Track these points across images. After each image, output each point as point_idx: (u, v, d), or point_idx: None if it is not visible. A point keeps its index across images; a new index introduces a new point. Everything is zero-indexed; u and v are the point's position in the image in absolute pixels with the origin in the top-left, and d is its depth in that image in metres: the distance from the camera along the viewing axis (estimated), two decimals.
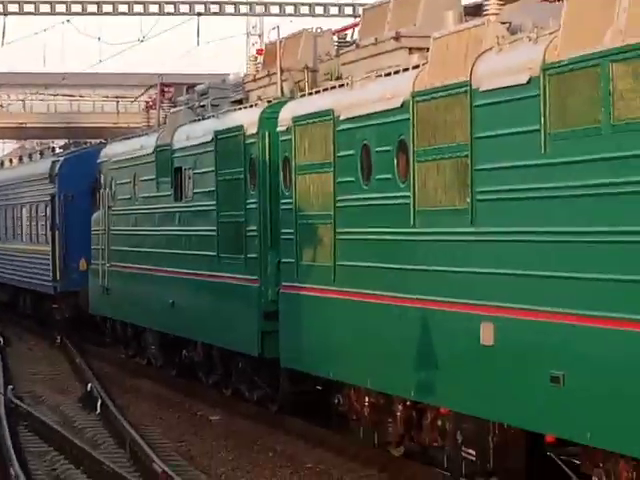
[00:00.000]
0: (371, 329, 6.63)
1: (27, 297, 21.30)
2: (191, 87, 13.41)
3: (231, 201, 9.74)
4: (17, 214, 22.26)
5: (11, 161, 30.10)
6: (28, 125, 34.53)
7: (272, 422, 9.31)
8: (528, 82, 4.32)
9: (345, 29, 10.55)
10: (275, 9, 24.72)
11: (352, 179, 7.03)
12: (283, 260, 8.42)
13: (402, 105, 5.94)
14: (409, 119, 5.84)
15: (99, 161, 15.38)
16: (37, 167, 21.72)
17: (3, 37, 22.47)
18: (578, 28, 3.93)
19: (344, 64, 8.10)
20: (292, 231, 8.07)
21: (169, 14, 23.25)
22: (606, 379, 3.62)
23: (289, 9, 23.96)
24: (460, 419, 5.46)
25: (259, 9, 26.07)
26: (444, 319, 5.47)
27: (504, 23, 5.26)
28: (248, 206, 9.21)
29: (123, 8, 22.48)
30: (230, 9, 24.25)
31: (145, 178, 12.78)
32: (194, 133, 11.03)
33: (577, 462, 4.45)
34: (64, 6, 22.17)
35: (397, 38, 6.72)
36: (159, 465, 6.48)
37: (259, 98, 9.71)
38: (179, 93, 13.87)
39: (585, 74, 3.82)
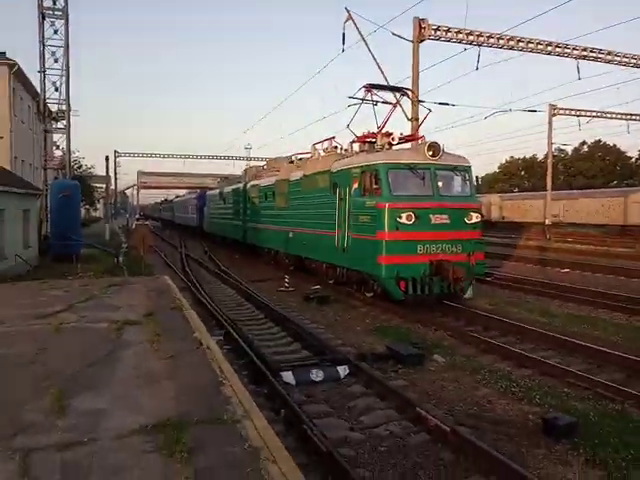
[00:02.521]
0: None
1: None
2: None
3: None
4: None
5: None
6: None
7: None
8: (302, 176, 17.58)
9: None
10: None
11: (264, 205, 20.96)
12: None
13: (300, 177, 19.62)
14: (301, 181, 19.38)
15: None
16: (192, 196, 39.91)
17: None
18: (309, 167, 17.46)
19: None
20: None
21: None
22: (319, 246, 15.79)
23: None
24: (293, 257, 18.57)
25: None
26: (281, 231, 18.49)
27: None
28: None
29: None
30: None
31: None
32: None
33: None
34: None
35: (292, 161, 20.21)
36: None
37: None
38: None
39: (298, 182, 17.29)
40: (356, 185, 12.96)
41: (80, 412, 4.51)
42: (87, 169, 51.13)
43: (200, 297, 13.54)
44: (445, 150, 12.53)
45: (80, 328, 7.59)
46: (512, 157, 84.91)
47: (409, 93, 15.07)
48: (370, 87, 14.25)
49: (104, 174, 50.95)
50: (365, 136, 14.65)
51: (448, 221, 11.94)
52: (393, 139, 13.56)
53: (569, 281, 16.60)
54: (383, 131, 14.00)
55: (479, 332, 10.29)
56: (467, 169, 12.88)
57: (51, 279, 14.14)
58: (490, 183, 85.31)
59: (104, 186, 56.75)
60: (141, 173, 72.38)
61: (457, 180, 12.81)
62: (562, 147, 56.06)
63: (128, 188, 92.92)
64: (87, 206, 59.11)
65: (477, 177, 14.44)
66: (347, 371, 7.69)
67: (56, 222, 22.74)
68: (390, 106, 14.62)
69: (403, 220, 11.48)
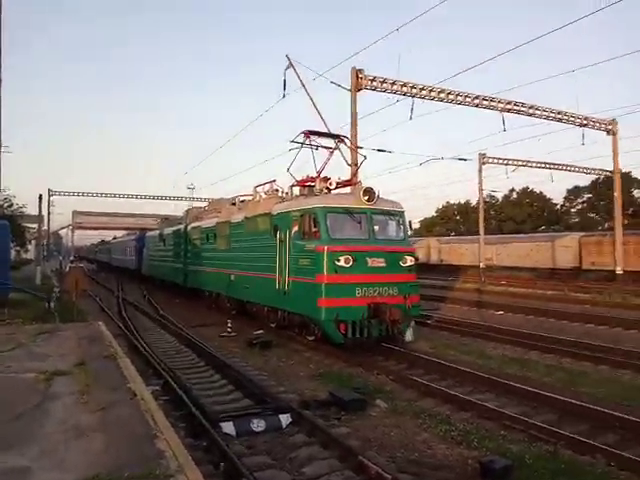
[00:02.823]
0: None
1: None
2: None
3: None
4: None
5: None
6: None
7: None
8: (243, 219, 17.49)
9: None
10: None
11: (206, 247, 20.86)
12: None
13: (242, 220, 19.59)
14: (242, 223, 19.31)
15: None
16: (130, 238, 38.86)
17: None
18: (251, 209, 17.50)
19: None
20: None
21: None
22: (260, 289, 15.54)
23: None
24: (234, 300, 18.28)
25: None
26: (223, 274, 18.34)
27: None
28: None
29: None
30: None
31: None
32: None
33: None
34: None
35: (234, 203, 20.27)
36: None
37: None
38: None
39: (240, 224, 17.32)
40: (296, 228, 13.08)
41: (1, 471, 4.18)
42: (18, 208, 48.71)
43: (137, 344, 13.01)
44: (380, 195, 12.91)
45: (4, 379, 7.10)
46: (448, 202, 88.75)
47: (346, 140, 15.58)
48: (309, 133, 14.66)
49: (37, 214, 48.80)
50: (304, 180, 14.93)
51: (384, 264, 12.19)
52: (330, 184, 13.89)
53: (503, 323, 17.22)
54: (322, 176, 14.32)
55: (420, 375, 10.42)
56: (401, 214, 13.34)
57: None
58: (428, 227, 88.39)
59: (37, 226, 54.32)
60: (76, 213, 69.91)
61: (392, 224, 13.22)
62: (492, 193, 59.22)
63: (62, 228, 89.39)
64: (18, 247, 56.09)
65: (410, 222, 15.18)
66: (289, 420, 7.55)
67: None
68: (328, 152, 15.04)
69: (341, 263, 11.62)
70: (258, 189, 17.33)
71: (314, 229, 12.39)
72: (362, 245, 12.11)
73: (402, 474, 5.81)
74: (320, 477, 5.81)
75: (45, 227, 60.06)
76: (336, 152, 15.21)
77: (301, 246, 12.81)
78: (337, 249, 11.80)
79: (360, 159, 16.69)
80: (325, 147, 15.10)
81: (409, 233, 13.77)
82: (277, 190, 16.42)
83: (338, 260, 11.67)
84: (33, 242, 57.54)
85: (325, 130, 17.99)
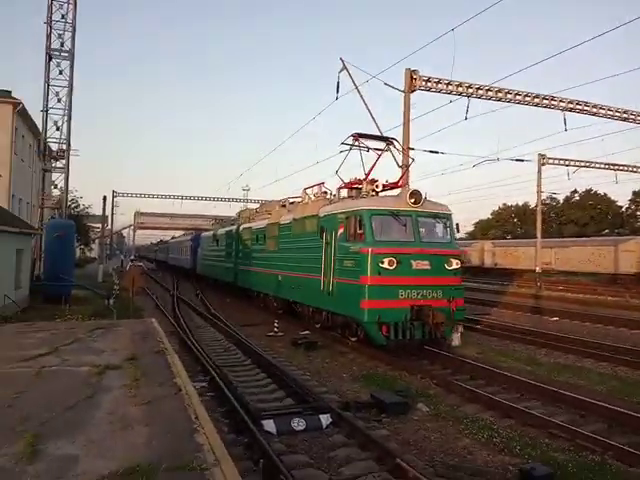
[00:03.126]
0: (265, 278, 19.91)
1: None
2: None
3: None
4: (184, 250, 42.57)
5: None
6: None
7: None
8: (292, 220, 17.63)
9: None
10: None
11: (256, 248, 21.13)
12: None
13: (290, 221, 19.62)
14: (291, 224, 19.41)
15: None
16: (186, 238, 39.97)
17: None
18: (299, 211, 17.65)
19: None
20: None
21: None
22: (305, 290, 15.62)
23: None
24: (281, 300, 18.39)
25: None
26: (271, 274, 18.62)
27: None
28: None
29: None
30: None
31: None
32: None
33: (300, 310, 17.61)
34: None
35: (284, 205, 20.40)
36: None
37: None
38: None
39: (288, 225, 17.52)
40: (342, 230, 13.18)
41: (52, 458, 4.49)
42: (84, 208, 51.36)
43: (188, 341, 13.47)
44: (427, 198, 12.87)
45: (61, 372, 7.56)
46: (505, 204, 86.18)
47: (395, 142, 15.51)
48: (358, 136, 14.70)
49: (101, 214, 51.26)
50: (352, 182, 15.04)
51: (429, 267, 12.14)
52: (377, 186, 13.93)
53: (557, 330, 16.62)
54: (369, 178, 14.38)
55: (465, 381, 10.26)
56: (448, 216, 13.21)
57: (40, 321, 14.09)
58: (483, 230, 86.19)
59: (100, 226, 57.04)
60: (138, 213, 72.90)
61: (438, 227, 13.13)
62: (553, 195, 57.05)
63: (125, 228, 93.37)
64: (82, 246, 59.10)
65: (458, 224, 14.96)
66: (330, 420, 7.63)
67: (49, 262, 22.77)
68: (376, 155, 15.04)
69: (385, 265, 11.69)
70: (308, 191, 17.50)
71: (359, 231, 12.44)
72: (407, 247, 12.10)
73: (440, 478, 5.77)
74: (357, 478, 5.86)
75: (109, 227, 63.05)
76: (387, 154, 15.21)
77: (346, 248, 12.88)
78: (381, 251, 11.85)
79: (410, 162, 16.53)
80: (375, 149, 15.11)
81: (456, 236, 13.59)
82: (325, 192, 16.53)
83: (382, 262, 11.73)
84: (97, 241, 60.49)
85: (377, 132, 18.04)
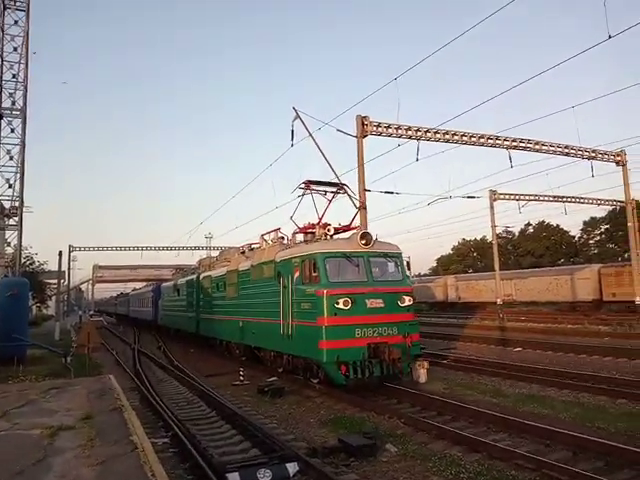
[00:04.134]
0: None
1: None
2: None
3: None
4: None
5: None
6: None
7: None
8: (250, 266, 17.66)
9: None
10: None
11: (216, 295, 20.96)
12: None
13: (249, 267, 19.66)
14: (249, 271, 19.40)
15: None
16: (148, 289, 39.15)
17: None
18: (257, 257, 17.67)
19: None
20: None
21: None
22: (266, 335, 16.02)
23: None
24: (243, 346, 18.24)
25: None
26: (232, 321, 18.41)
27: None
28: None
29: None
30: None
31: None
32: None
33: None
34: None
35: (243, 252, 20.47)
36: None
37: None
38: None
39: (247, 272, 17.52)
40: (297, 274, 13.39)
41: None
42: (39, 265, 49.78)
43: (149, 396, 12.99)
44: (378, 239, 13.38)
45: (11, 436, 7.16)
46: (464, 239, 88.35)
47: (345, 187, 16.11)
48: (309, 183, 15.20)
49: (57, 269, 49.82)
50: (306, 227, 15.36)
51: (383, 305, 12.41)
52: (329, 230, 14.32)
53: (520, 360, 16.86)
54: (322, 222, 14.80)
55: (433, 417, 10.22)
56: (398, 255, 13.66)
57: None
58: (444, 265, 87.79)
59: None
60: (97, 267, 71.25)
61: (389, 266, 13.49)
62: (508, 229, 58.87)
63: (83, 283, 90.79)
64: (38, 304, 56.96)
65: (408, 262, 15.51)
66: (297, 468, 7.42)
67: (1, 322, 21.73)
68: (327, 200, 15.54)
69: (340, 305, 11.89)
70: (265, 237, 17.67)
71: (314, 274, 12.68)
72: (360, 287, 12.37)
73: None
74: None
75: (65, 282, 61.18)
76: (342, 198, 15.57)
77: (302, 290, 13.06)
78: (336, 292, 12.07)
79: (356, 208, 17.05)
80: (326, 194, 15.57)
81: (408, 274, 13.95)
82: (282, 237, 16.76)
83: (337, 303, 11.94)
84: (54, 298, 58.48)
85: (333, 175, 18.44)
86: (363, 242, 12.92)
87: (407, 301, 12.82)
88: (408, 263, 13.94)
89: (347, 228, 14.95)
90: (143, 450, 6.05)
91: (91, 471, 5.40)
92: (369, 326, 12.11)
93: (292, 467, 7.40)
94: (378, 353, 11.96)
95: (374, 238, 13.19)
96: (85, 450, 6.19)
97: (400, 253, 13.76)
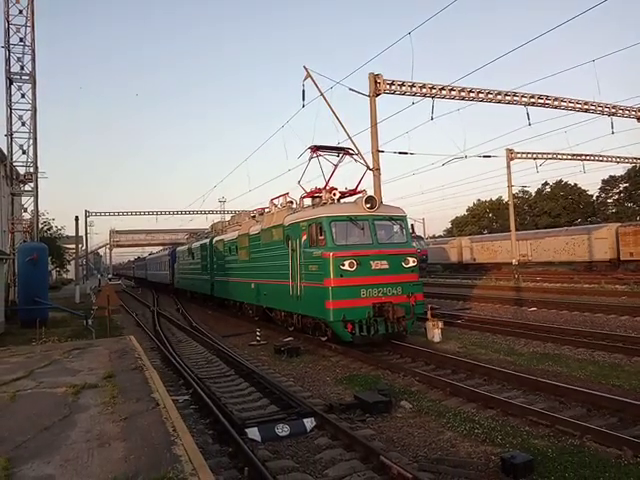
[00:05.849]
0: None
1: None
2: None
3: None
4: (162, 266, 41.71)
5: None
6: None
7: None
8: (260, 230, 17.59)
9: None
10: None
11: (229, 259, 21.13)
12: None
13: (259, 231, 19.64)
14: (260, 234, 19.32)
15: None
16: (164, 253, 39.57)
17: None
18: (267, 221, 17.62)
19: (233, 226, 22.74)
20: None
21: None
22: (276, 296, 16.10)
23: None
24: (256, 307, 18.62)
25: None
26: (244, 283, 18.82)
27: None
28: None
29: None
30: None
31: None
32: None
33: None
34: None
35: (253, 216, 20.53)
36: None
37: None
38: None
39: (257, 236, 17.59)
40: (305, 237, 13.75)
41: (27, 479, 4.40)
42: (57, 230, 50.42)
43: (169, 357, 13.31)
44: (383, 202, 13.81)
45: (37, 394, 7.41)
46: (479, 200, 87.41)
47: (350, 151, 16.04)
48: (316, 148, 15.17)
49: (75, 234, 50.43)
50: (313, 192, 15.55)
51: (387, 266, 12.80)
52: (335, 194, 14.49)
53: (535, 319, 16.88)
54: (328, 187, 14.96)
55: (447, 375, 10.35)
56: (402, 218, 13.92)
57: (16, 345, 13.81)
58: (460, 226, 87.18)
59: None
60: (114, 232, 72.03)
61: (394, 229, 13.77)
62: (525, 189, 58.00)
63: (100, 247, 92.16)
64: (57, 268, 58.03)
65: (412, 225, 15.53)
66: (314, 423, 7.61)
67: (23, 286, 22.31)
68: (333, 165, 15.54)
69: (346, 267, 12.34)
70: (275, 201, 17.72)
71: (320, 237, 13.06)
72: (365, 249, 12.73)
73: (423, 472, 5.80)
74: (343, 478, 5.85)
75: (83, 247, 62.11)
76: (352, 162, 15.79)
77: (310, 253, 13.45)
78: (341, 254, 12.46)
79: (364, 169, 16.84)
80: (332, 159, 15.58)
81: (411, 236, 14.31)
82: (291, 202, 16.83)
83: (343, 265, 12.36)
84: (72, 262, 59.53)
85: (345, 136, 18.21)
86: (368, 206, 13.19)
87: (411, 262, 13.14)
88: (412, 226, 14.18)
89: (353, 192, 15.01)
90: (165, 407, 6.22)
91: (115, 427, 5.58)
92: (374, 286, 12.54)
93: (309, 422, 7.61)
94: (383, 312, 12.47)
95: (379, 202, 13.46)
96: (108, 407, 6.38)
97: (404, 216, 13.98)
